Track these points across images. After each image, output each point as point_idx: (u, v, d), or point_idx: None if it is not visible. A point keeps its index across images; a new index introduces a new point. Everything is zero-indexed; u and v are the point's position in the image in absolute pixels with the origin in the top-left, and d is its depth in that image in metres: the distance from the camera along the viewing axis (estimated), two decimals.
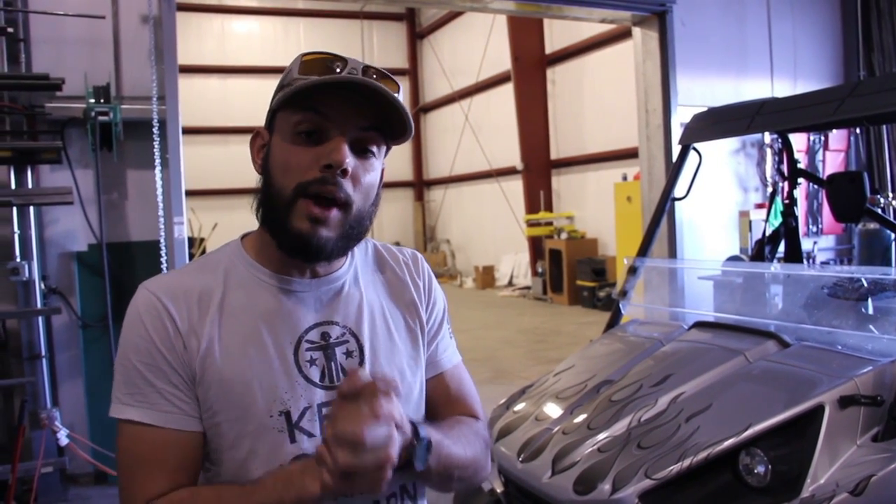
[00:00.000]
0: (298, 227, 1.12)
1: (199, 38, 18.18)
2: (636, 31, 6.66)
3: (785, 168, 4.22)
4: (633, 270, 3.78)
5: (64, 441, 4.35)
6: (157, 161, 4.64)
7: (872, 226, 5.77)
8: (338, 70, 1.12)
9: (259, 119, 1.22)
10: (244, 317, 1.18)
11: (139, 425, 1.12)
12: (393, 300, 1.33)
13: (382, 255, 1.36)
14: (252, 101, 17.01)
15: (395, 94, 1.13)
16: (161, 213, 4.63)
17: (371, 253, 1.36)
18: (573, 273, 13.20)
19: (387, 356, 1.26)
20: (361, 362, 1.23)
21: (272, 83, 1.22)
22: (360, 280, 1.29)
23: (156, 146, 4.62)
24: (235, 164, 16.24)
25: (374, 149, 1.17)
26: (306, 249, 1.14)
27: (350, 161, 1.12)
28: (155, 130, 4.59)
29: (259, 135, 1.22)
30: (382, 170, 1.22)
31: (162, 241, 4.61)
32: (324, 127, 1.12)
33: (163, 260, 4.58)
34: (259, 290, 1.20)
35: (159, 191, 4.65)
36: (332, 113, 1.12)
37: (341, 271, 1.26)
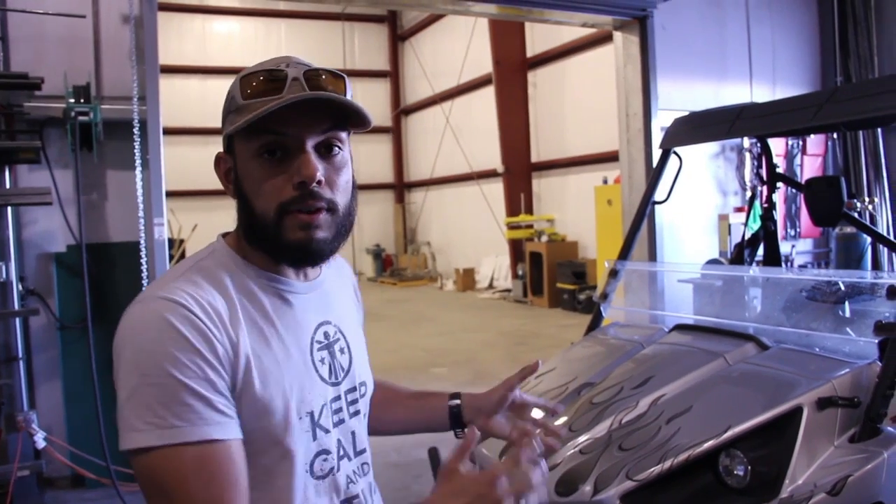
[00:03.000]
0: (293, 238, 1.12)
1: (179, 38, 18.06)
2: (617, 35, 6.70)
3: (764, 172, 4.27)
4: (613, 273, 3.80)
5: (41, 444, 4.29)
6: (138, 161, 4.60)
7: (849, 230, 5.87)
8: (279, 83, 1.09)
9: None
10: (264, 323, 1.15)
11: (200, 445, 1.00)
12: (347, 299, 1.40)
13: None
14: None
15: (344, 94, 1.12)
16: (141, 213, 4.58)
17: None
18: (553, 276, 13.24)
19: (360, 353, 1.33)
20: (350, 359, 1.28)
21: None
22: (332, 282, 1.34)
23: (136, 146, 4.57)
24: None
25: (339, 143, 1.15)
26: (305, 256, 1.16)
27: (320, 170, 1.11)
28: (135, 131, 4.55)
29: (222, 159, 1.20)
30: (351, 156, 1.20)
31: (142, 242, 4.56)
32: (285, 144, 1.11)
33: (143, 261, 4.54)
34: (269, 296, 1.18)
35: (139, 191, 4.60)
36: (289, 129, 1.10)
37: (322, 274, 1.29)
